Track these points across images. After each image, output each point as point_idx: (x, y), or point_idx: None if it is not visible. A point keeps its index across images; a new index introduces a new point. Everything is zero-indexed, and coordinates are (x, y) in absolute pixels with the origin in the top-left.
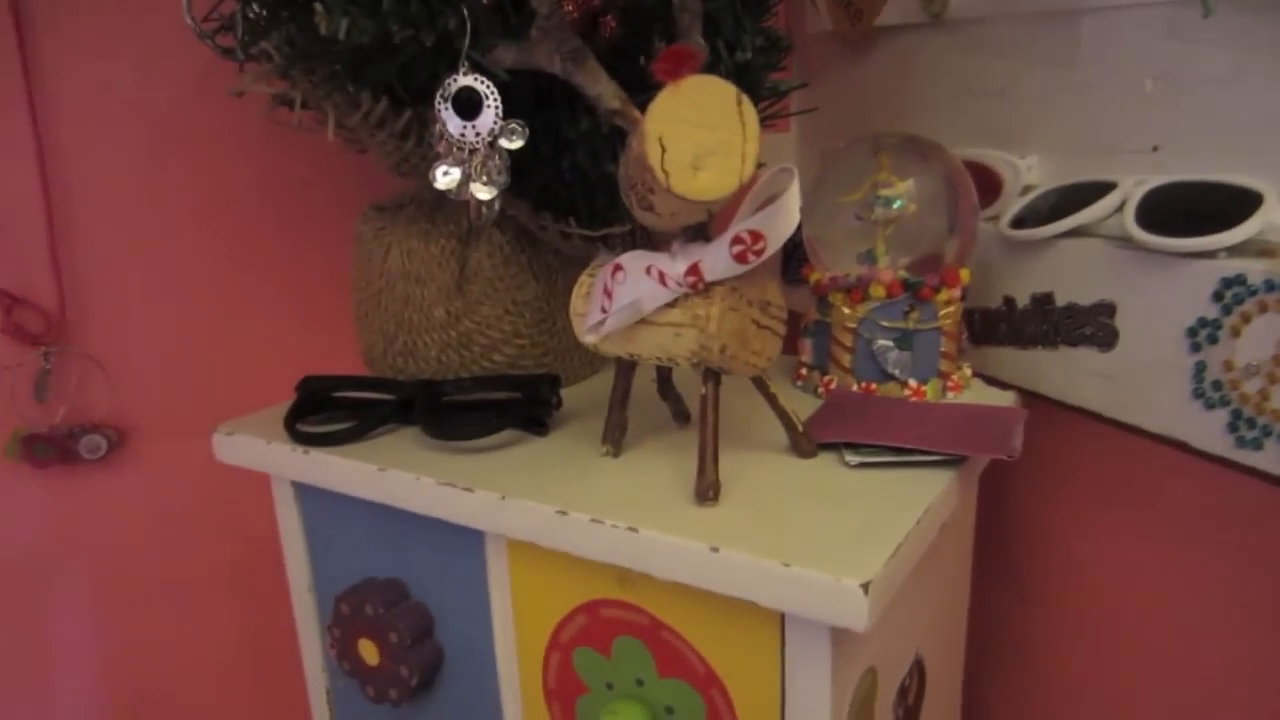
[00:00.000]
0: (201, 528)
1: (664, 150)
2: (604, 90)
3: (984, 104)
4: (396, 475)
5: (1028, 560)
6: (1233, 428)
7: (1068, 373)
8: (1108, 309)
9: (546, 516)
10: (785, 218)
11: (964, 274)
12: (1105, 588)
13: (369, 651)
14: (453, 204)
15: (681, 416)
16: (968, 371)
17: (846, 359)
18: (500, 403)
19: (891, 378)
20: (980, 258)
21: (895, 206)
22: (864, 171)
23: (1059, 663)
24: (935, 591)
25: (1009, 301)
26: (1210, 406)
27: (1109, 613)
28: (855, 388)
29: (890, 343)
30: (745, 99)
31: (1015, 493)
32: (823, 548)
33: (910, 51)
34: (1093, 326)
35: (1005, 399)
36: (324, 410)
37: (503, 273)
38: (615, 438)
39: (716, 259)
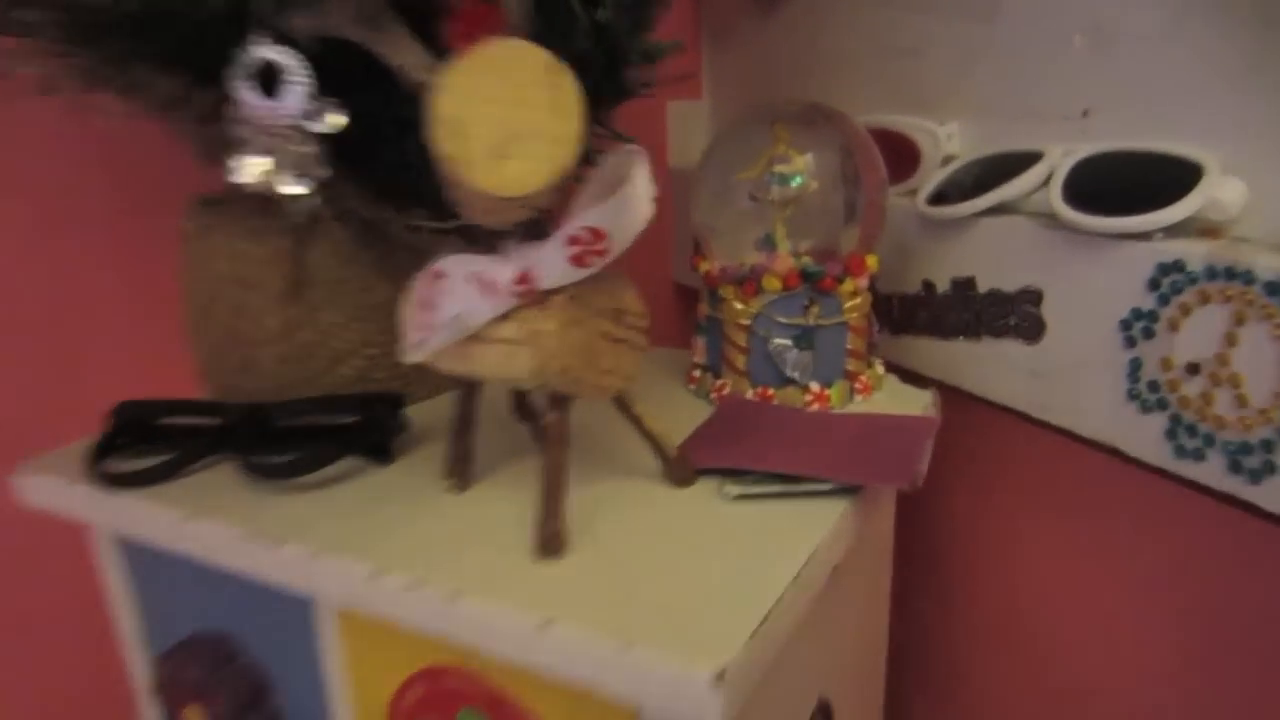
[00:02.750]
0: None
1: (459, 136)
2: (408, 60)
3: (899, 66)
4: (201, 525)
5: (954, 570)
6: (1171, 434)
7: (992, 367)
8: (1033, 296)
9: (358, 579)
10: (632, 210)
11: (871, 261)
12: (1034, 598)
13: (196, 719)
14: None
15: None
16: (879, 369)
17: (741, 360)
18: (337, 428)
19: (791, 381)
20: (898, 238)
21: (794, 184)
22: (759, 146)
23: (986, 674)
24: (842, 625)
25: (928, 286)
26: (1146, 409)
27: (1038, 625)
28: (751, 393)
29: (788, 342)
30: (561, 67)
31: (940, 498)
32: (678, 618)
33: (821, 7)
34: (1017, 316)
35: (920, 402)
36: (149, 440)
37: (345, 274)
38: (460, 470)
39: (551, 263)
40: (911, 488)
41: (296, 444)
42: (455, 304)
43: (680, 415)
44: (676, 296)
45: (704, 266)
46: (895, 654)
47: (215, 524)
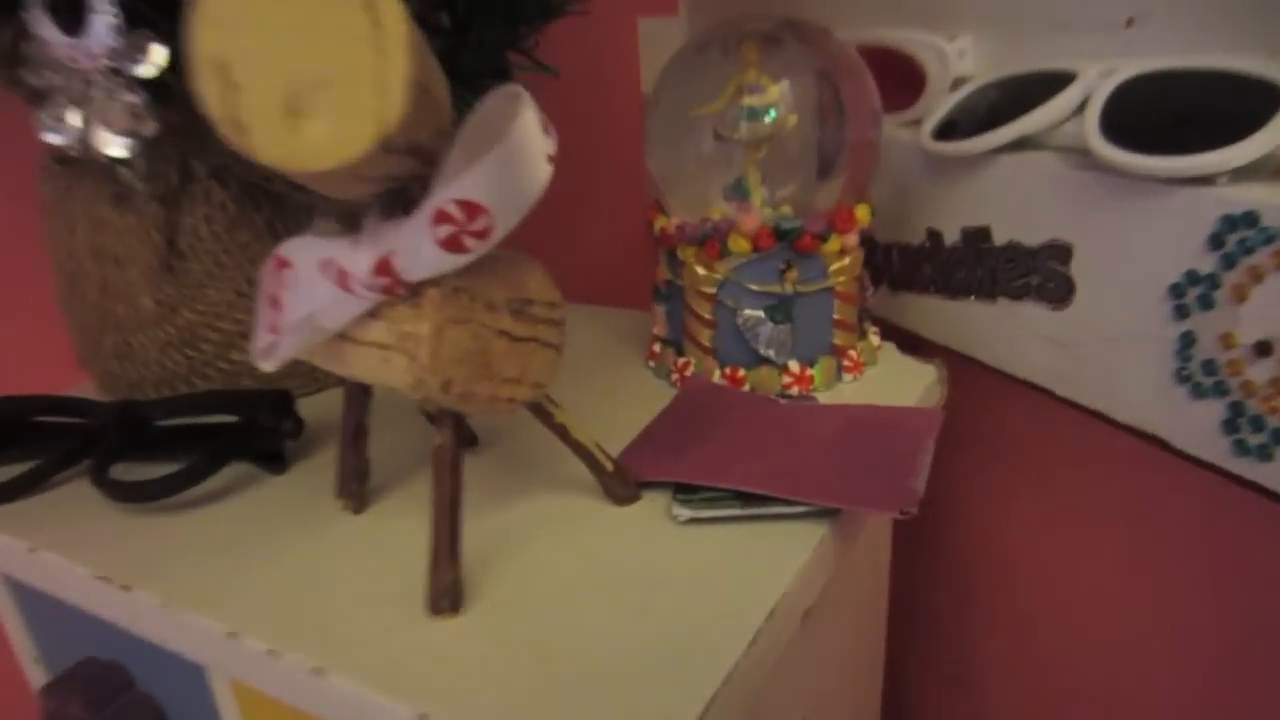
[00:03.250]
0: None
1: (227, 85)
2: None
3: None
4: (48, 558)
5: (960, 563)
6: (1230, 427)
7: (1009, 334)
8: (1061, 252)
9: (213, 639)
10: (517, 173)
11: (862, 213)
12: (1052, 598)
13: None
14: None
15: (464, 439)
16: (874, 340)
17: (706, 336)
18: (222, 430)
19: (765, 361)
20: (898, 178)
21: (767, 119)
22: (724, 73)
23: (998, 677)
24: (830, 641)
25: (934, 237)
26: (1199, 395)
27: (1053, 624)
28: (718, 374)
29: (761, 313)
30: None
31: (946, 483)
32: (600, 704)
33: None
34: (1041, 275)
35: (923, 380)
36: (22, 443)
37: (228, 243)
38: (352, 489)
39: (415, 249)
40: (903, 515)
41: (173, 449)
42: (305, 301)
43: (636, 400)
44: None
45: (660, 223)
46: (898, 650)
47: (61, 558)
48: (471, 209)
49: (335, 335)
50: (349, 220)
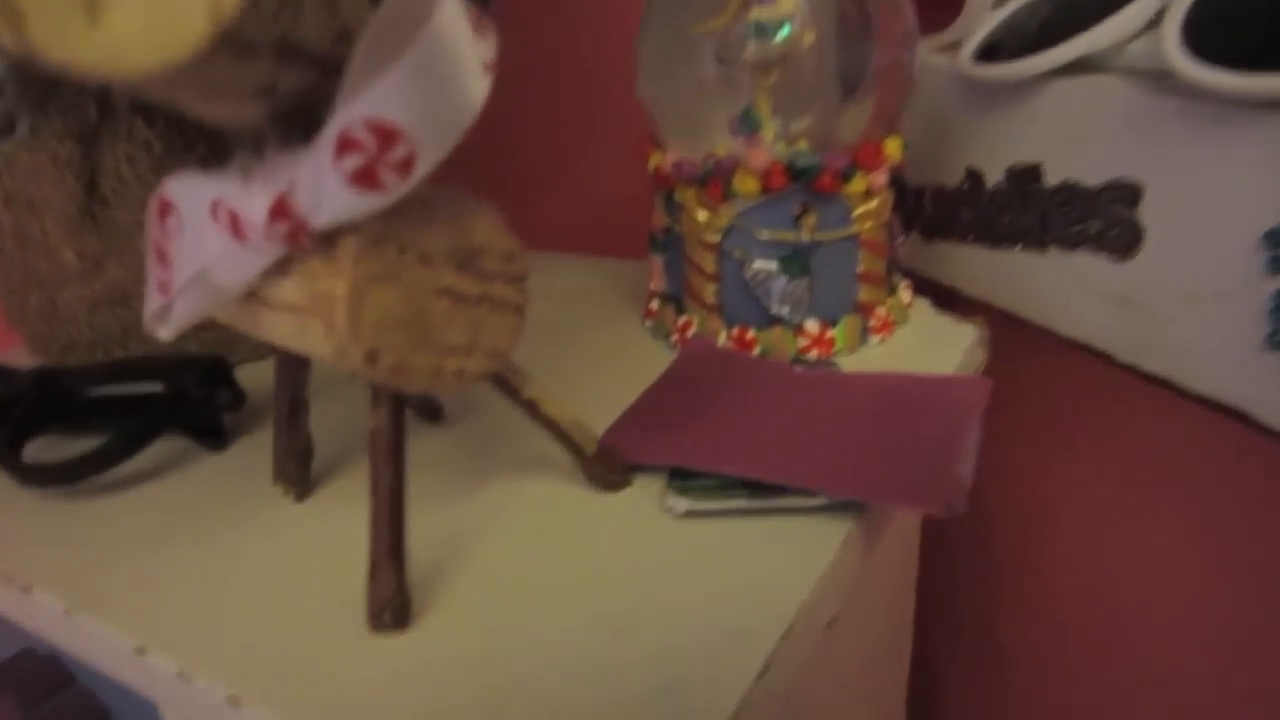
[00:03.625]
0: None
1: None
2: None
3: None
4: None
5: (999, 541)
6: None
7: (1062, 288)
8: (1128, 193)
9: (120, 652)
10: (443, 84)
11: (891, 147)
12: (1101, 578)
13: None
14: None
15: (427, 411)
16: (904, 295)
17: (709, 291)
18: (151, 401)
19: (778, 320)
20: (934, 109)
21: (779, 37)
22: None
23: (1038, 655)
24: (855, 648)
25: (974, 177)
26: None
27: (1098, 605)
28: (724, 336)
29: (773, 265)
30: None
31: (987, 455)
32: None
33: None
34: (1102, 220)
35: (961, 342)
36: None
37: (155, 185)
38: (291, 471)
39: (319, 185)
40: (948, 513)
41: (99, 423)
42: (196, 255)
43: (630, 365)
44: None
45: (655, 159)
46: (923, 601)
47: None
48: (384, 133)
49: (245, 295)
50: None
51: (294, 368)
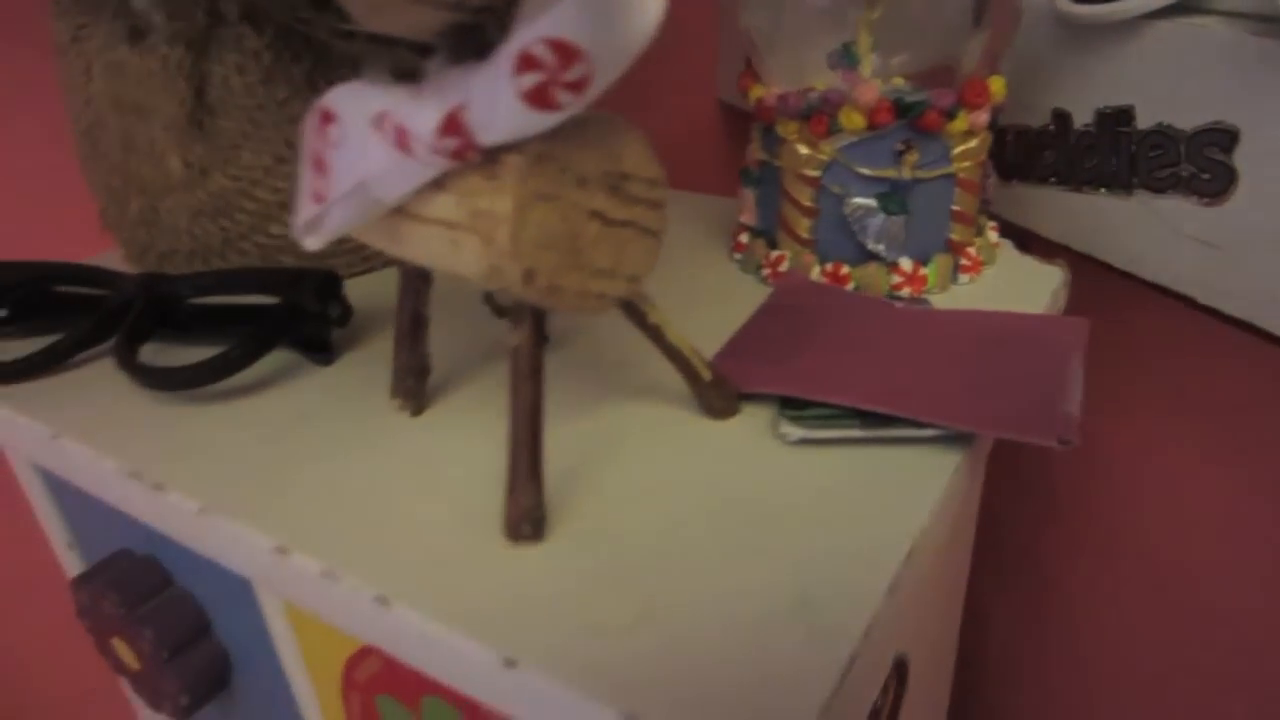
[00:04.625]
0: None
1: None
2: None
3: None
4: (72, 448)
5: (1065, 485)
6: None
7: (1146, 232)
8: (1224, 138)
9: (259, 553)
10: (624, 6)
11: (996, 85)
12: (1169, 525)
13: (126, 654)
14: None
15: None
16: (992, 236)
17: (805, 226)
18: (259, 312)
19: (874, 257)
20: (1021, 48)
21: None
22: None
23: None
24: (922, 589)
25: (1061, 119)
26: None
27: (1167, 557)
28: (817, 271)
29: (872, 202)
30: None
31: None
32: (722, 657)
33: None
34: (1195, 164)
35: (1048, 284)
36: (42, 313)
37: (264, 98)
38: (409, 387)
39: (492, 102)
40: (1062, 444)
41: (206, 331)
42: (356, 166)
43: (720, 297)
44: (723, 121)
45: (756, 92)
46: (976, 559)
47: (85, 448)
48: (566, 52)
49: (394, 212)
50: (405, 77)
51: (418, 285)
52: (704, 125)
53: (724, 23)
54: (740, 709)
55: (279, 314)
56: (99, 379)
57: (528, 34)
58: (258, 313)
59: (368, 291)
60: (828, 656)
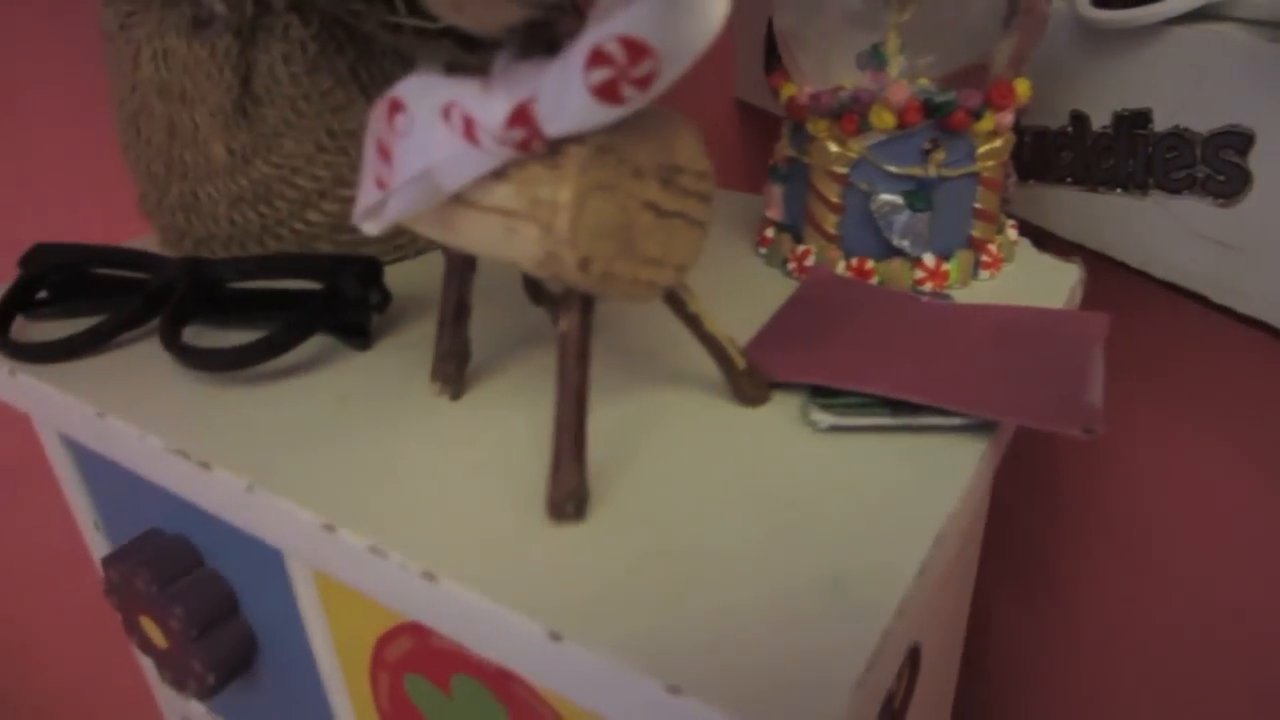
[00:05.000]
0: None
1: None
2: None
3: None
4: (117, 426)
5: (1068, 475)
6: None
7: (1161, 232)
8: (1239, 140)
9: (306, 529)
10: (694, 5)
11: (1022, 87)
12: (1178, 528)
13: (154, 632)
14: None
15: None
16: (1012, 234)
17: (831, 222)
18: (299, 298)
19: (898, 252)
20: (1039, 53)
21: None
22: None
23: (1090, 584)
24: (939, 575)
25: (1079, 120)
26: None
27: (1179, 554)
28: (842, 266)
29: (899, 199)
30: None
31: None
32: (761, 634)
33: None
34: (1210, 166)
35: (1066, 280)
36: (82, 296)
37: (308, 88)
38: (449, 372)
39: (563, 96)
40: (1086, 433)
41: (248, 315)
42: (421, 153)
43: (745, 290)
44: (740, 120)
45: (787, 91)
46: (983, 554)
47: (130, 426)
48: (636, 49)
49: (452, 200)
50: (457, 70)
51: (464, 272)
52: (722, 124)
53: (742, 24)
54: (778, 681)
55: (321, 299)
56: (139, 360)
57: (602, 31)
58: (298, 297)
59: (402, 279)
60: (863, 633)
